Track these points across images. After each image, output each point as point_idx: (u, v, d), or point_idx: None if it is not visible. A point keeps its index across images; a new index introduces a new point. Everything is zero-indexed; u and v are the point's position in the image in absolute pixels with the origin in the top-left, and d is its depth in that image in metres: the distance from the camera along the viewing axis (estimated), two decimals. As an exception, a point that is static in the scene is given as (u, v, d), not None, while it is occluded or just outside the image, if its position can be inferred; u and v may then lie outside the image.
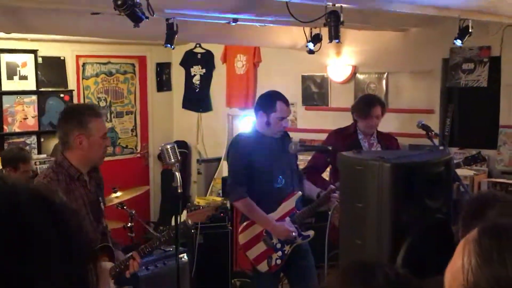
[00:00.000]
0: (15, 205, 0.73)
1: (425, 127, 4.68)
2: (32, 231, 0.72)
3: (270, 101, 4.23)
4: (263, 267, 4.25)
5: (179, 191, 3.58)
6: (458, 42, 4.87)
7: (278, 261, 4.24)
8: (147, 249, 3.46)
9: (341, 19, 3.92)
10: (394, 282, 1.38)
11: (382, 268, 1.42)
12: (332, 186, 4.24)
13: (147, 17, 3.23)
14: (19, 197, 0.75)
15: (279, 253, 4.24)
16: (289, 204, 4.28)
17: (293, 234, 4.19)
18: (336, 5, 3.85)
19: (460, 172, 4.74)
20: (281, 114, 4.19)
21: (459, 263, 0.96)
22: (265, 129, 4.24)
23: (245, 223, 4.29)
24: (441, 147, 4.97)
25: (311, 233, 4.33)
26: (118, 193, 5.40)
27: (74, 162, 3.17)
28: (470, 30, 4.76)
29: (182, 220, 3.68)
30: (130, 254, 3.41)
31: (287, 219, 4.25)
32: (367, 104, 4.90)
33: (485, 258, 0.93)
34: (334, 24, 3.95)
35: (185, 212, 6.44)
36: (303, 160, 5.47)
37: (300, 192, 4.34)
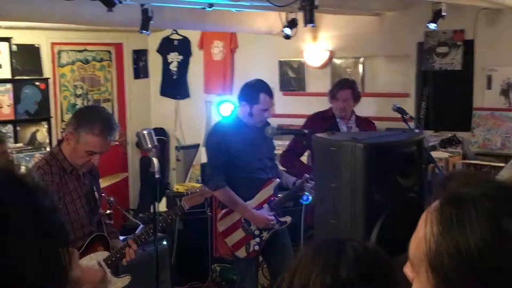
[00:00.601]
0: None
1: (400, 111, 4.72)
2: (6, 210, 0.71)
3: (254, 93, 4.20)
4: (241, 253, 4.28)
5: (157, 176, 3.57)
6: (432, 26, 4.92)
7: (256, 247, 4.28)
8: (143, 236, 3.42)
9: (316, 2, 3.94)
10: (363, 254, 1.43)
11: (351, 243, 1.47)
12: (306, 175, 4.27)
13: (120, 1, 3.21)
14: None
15: (257, 239, 4.27)
16: (267, 191, 4.31)
17: (272, 222, 4.24)
18: (311, -12, 3.87)
19: (435, 154, 4.80)
20: (264, 106, 4.19)
21: (422, 232, 0.98)
22: (247, 119, 4.23)
23: (223, 211, 4.30)
24: (416, 130, 5.02)
25: (288, 219, 4.36)
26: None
27: (67, 155, 3.15)
28: (443, 13, 4.81)
29: (177, 204, 3.70)
30: (125, 242, 3.39)
31: (265, 205, 4.29)
32: (335, 87, 4.96)
33: (446, 225, 0.95)
34: (309, 8, 3.95)
35: (165, 199, 6.47)
36: (281, 145, 5.50)
37: (278, 180, 4.36)
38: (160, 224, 3.56)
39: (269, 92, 4.27)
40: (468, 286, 0.93)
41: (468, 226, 0.93)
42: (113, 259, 3.30)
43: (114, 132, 3.23)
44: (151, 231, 3.47)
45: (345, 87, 4.93)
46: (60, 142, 3.26)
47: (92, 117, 3.15)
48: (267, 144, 4.40)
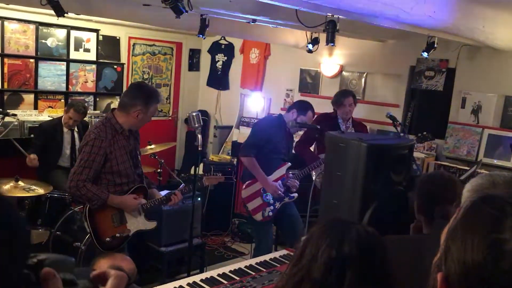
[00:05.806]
0: None
1: (392, 118, 4.58)
2: None
3: (305, 108, 4.21)
4: (258, 217, 4.21)
5: (199, 149, 3.53)
6: (425, 54, 4.72)
7: (270, 214, 4.21)
8: (184, 189, 3.57)
9: (337, 27, 3.80)
10: (364, 236, 1.32)
11: (355, 225, 1.36)
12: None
13: (186, 11, 3.10)
14: None
15: (271, 207, 4.20)
16: (281, 171, 4.24)
17: (280, 193, 4.17)
18: (335, 16, 3.72)
19: (414, 154, 4.64)
20: (306, 120, 4.21)
21: (455, 215, 0.92)
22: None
23: (247, 182, 4.22)
24: (401, 134, 4.88)
25: (295, 195, 4.29)
26: (152, 146, 5.33)
27: (120, 121, 3.13)
28: (435, 45, 4.62)
29: (201, 177, 3.76)
30: (173, 191, 3.49)
31: (279, 181, 4.20)
32: (341, 95, 4.85)
33: (464, 215, 0.89)
34: (331, 30, 3.82)
35: (202, 165, 6.40)
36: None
37: (289, 163, 4.30)
38: (197, 185, 3.64)
39: (313, 112, 4.27)
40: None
41: (477, 222, 0.85)
42: (149, 206, 3.32)
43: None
44: (190, 187, 3.58)
45: (349, 95, 4.82)
46: (113, 110, 3.22)
47: (154, 93, 3.17)
48: (289, 140, 4.37)
